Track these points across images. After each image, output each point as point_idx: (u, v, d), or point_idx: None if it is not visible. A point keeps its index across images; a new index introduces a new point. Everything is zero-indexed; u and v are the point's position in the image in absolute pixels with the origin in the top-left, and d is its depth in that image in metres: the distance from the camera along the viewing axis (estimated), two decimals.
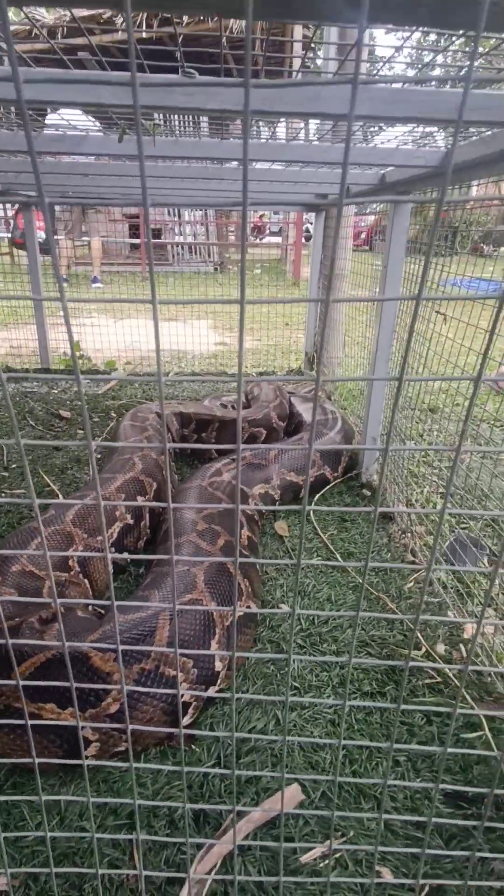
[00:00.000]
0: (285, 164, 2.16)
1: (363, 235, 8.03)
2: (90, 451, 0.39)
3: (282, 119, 2.21)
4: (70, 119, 1.44)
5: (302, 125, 2.19)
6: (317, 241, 3.37)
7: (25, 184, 2.26)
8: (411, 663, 0.71)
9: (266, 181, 2.22)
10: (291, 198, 2.97)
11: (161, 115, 1.80)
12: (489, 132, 1.14)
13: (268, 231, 16.54)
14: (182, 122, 2.13)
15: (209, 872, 0.84)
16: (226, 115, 0.86)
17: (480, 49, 1.75)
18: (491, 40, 1.08)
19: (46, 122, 1.74)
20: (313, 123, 2.08)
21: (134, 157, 1.49)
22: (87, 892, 0.86)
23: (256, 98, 0.78)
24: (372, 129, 1.83)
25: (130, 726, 0.62)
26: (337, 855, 0.93)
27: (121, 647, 0.58)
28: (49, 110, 1.91)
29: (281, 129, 2.49)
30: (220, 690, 1.24)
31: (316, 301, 0.37)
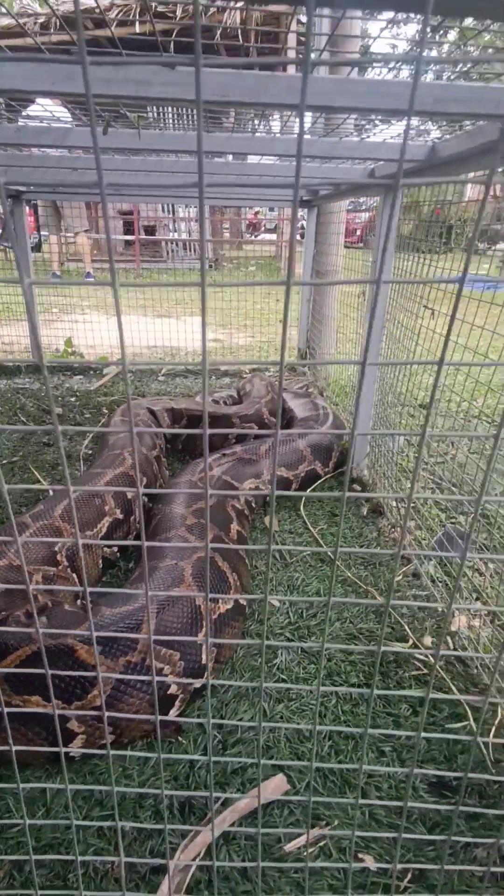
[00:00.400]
0: (277, 159, 2.15)
1: (357, 232, 8.02)
2: (57, 436, 0.39)
3: (275, 113, 2.21)
4: (47, 108, 1.43)
5: (296, 119, 2.18)
6: (309, 237, 3.37)
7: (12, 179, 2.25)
8: (390, 649, 0.72)
9: (255, 175, 2.22)
10: (281, 193, 2.97)
11: (154, 109, 1.79)
12: (473, 125, 1.15)
13: (263, 228, 16.52)
14: (175, 116, 2.13)
15: (193, 860, 0.85)
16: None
17: (462, 39, 1.74)
18: (474, 32, 1.09)
19: (29, 113, 1.73)
20: (308, 117, 2.08)
21: (121, 150, 1.49)
22: (71, 882, 0.87)
23: (234, 89, 0.78)
24: (366, 125, 1.83)
25: (115, 714, 0.63)
26: (321, 843, 0.94)
27: (98, 636, 0.58)
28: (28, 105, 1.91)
29: (276, 124, 2.48)
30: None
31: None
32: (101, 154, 1.80)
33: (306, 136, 1.59)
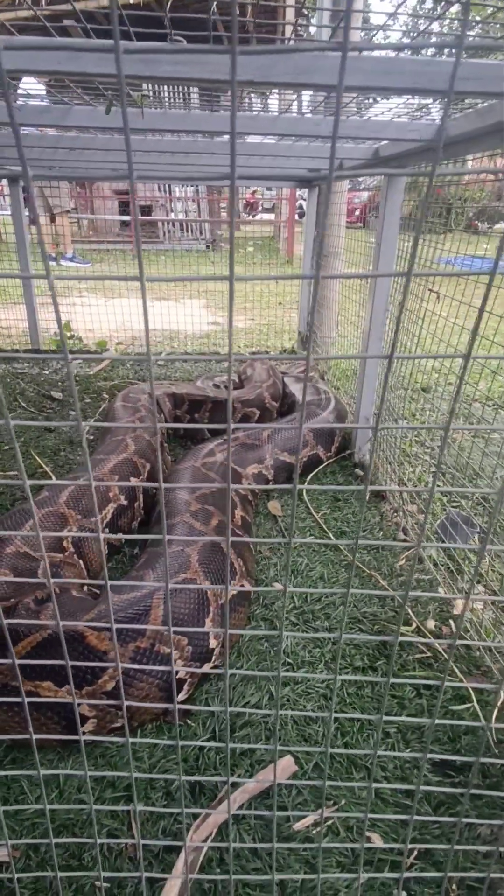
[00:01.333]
0: (278, 138, 2.11)
1: (357, 212, 7.90)
2: (81, 432, 0.39)
3: (274, 90, 2.15)
4: (30, 90, 1.39)
5: (294, 97, 2.13)
6: (310, 218, 3.32)
7: (10, 158, 2.20)
8: (401, 638, 0.72)
9: (257, 156, 2.17)
10: (283, 173, 2.92)
11: (150, 87, 1.75)
12: (485, 104, 1.12)
13: (261, 208, 16.26)
14: (172, 95, 2.07)
15: (205, 840, 0.86)
16: (214, 85, 0.84)
17: (476, 17, 1.70)
18: (488, 9, 1.05)
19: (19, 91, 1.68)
20: (306, 95, 2.03)
21: (121, 130, 1.45)
22: (87, 861, 0.89)
23: (247, 67, 0.76)
24: (366, 101, 1.79)
25: (127, 702, 0.63)
26: (329, 822, 0.96)
27: (106, 623, 0.58)
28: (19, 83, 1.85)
29: (273, 102, 2.42)
30: (215, 667, 1.26)
31: (308, 277, 0.36)
32: (104, 134, 1.76)
33: (308, 116, 1.56)
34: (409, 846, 0.85)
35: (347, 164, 2.28)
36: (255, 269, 7.96)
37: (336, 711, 1.17)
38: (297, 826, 0.95)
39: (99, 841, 0.64)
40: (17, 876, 0.66)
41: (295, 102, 1.94)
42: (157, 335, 4.61)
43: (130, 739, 0.60)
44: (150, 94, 1.25)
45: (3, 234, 7.61)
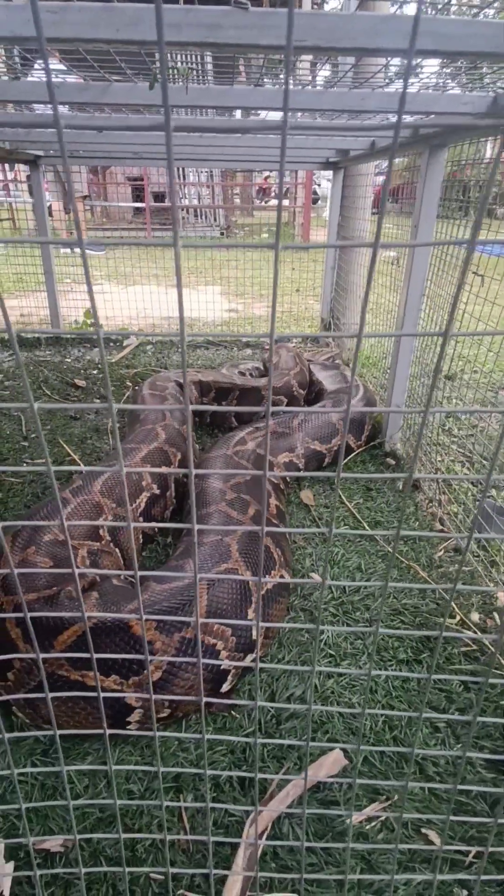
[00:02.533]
0: (307, 115, 2.04)
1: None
2: (112, 417, 0.36)
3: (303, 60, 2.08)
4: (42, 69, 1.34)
5: (310, 76, 2.05)
6: (334, 202, 3.25)
7: (36, 141, 2.16)
8: (445, 633, 0.69)
9: (286, 136, 2.11)
10: (308, 154, 2.85)
11: (182, 58, 1.68)
12: None
13: (273, 194, 16.03)
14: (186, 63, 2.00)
15: (260, 837, 0.85)
16: (273, 51, 0.79)
17: None
18: None
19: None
20: (321, 76, 1.95)
21: (158, 108, 1.40)
22: (140, 853, 0.88)
23: (312, 32, 0.71)
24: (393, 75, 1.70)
25: (171, 697, 0.61)
26: (382, 818, 0.94)
27: (151, 612, 0.56)
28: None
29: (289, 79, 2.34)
30: (259, 657, 1.24)
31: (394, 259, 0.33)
32: (135, 114, 1.71)
33: (355, 91, 1.50)
34: (478, 849, 0.83)
35: (379, 143, 2.22)
36: (271, 254, 7.85)
37: (381, 704, 1.15)
38: (354, 819, 0.93)
39: (169, 837, 0.62)
40: (82, 871, 0.65)
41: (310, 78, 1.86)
42: (173, 323, 4.56)
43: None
44: (195, 67, 1.19)
45: (17, 220, 7.59)
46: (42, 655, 0.51)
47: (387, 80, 1.74)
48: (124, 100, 1.13)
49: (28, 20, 0.75)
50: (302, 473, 0.50)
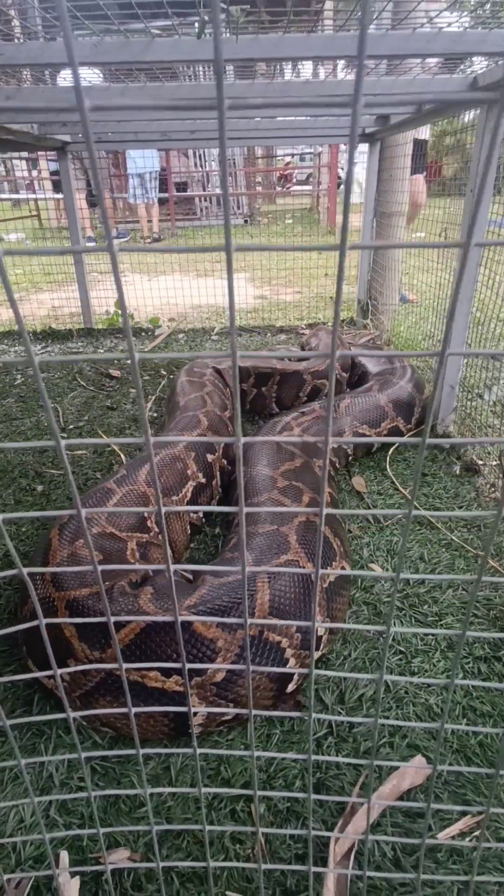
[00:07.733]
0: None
1: None
2: (140, 399, 0.27)
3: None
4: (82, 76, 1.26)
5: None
6: (371, 177, 3.10)
7: (67, 122, 2.09)
8: None
9: (311, 106, 1.98)
10: (344, 124, 2.71)
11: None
12: None
13: (294, 180, 15.71)
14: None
15: (346, 857, 0.77)
16: None
17: None
18: None
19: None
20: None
21: (205, 63, 1.29)
22: (211, 852, 0.81)
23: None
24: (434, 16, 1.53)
25: (234, 694, 0.53)
26: (476, 832, 0.85)
27: (210, 608, 0.48)
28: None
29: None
30: (323, 655, 1.17)
31: (455, 245, 0.23)
32: (170, 82, 1.59)
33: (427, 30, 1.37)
34: None
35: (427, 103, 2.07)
36: (296, 240, 7.68)
37: (462, 706, 1.06)
38: (441, 836, 0.85)
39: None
40: (161, 864, 0.58)
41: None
42: (203, 311, 4.48)
43: (198, 750, 0.50)
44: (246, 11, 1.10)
45: (44, 220, 7.60)
46: (125, 666, 0.43)
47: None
48: (168, 56, 1.04)
49: None
50: (381, 439, 0.41)
